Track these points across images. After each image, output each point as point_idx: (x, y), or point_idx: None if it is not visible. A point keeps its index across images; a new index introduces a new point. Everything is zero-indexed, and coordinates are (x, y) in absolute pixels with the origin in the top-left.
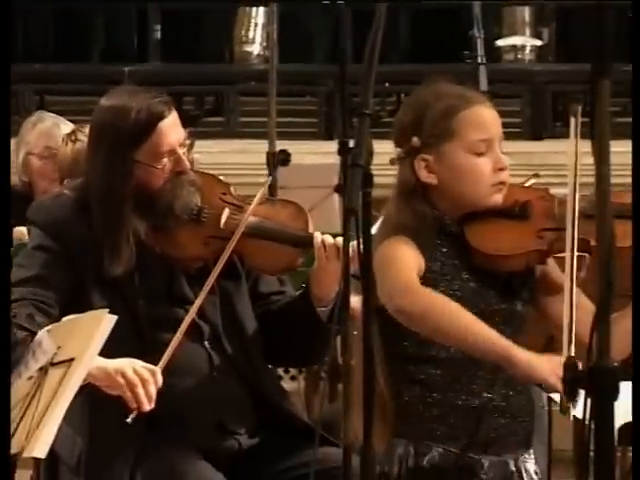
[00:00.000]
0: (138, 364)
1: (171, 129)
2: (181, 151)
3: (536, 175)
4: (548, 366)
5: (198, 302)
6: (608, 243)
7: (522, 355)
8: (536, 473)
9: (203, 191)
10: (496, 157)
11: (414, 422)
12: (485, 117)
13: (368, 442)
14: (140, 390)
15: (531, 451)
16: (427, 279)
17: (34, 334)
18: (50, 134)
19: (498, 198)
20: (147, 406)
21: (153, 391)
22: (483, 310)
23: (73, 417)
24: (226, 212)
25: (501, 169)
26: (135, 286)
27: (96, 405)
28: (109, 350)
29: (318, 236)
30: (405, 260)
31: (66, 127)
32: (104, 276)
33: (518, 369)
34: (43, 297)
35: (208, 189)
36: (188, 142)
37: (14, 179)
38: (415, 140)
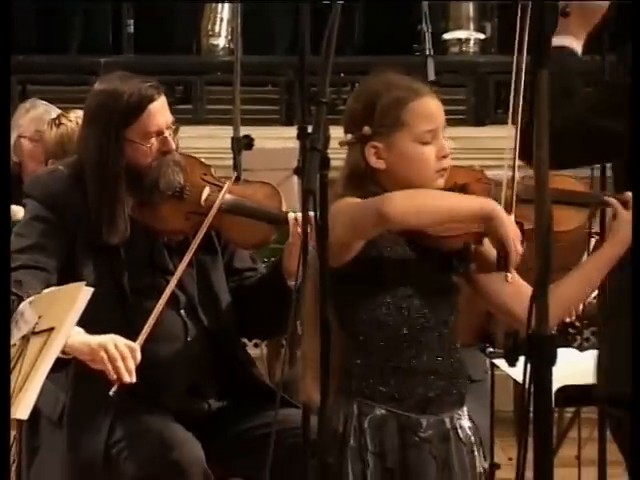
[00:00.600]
0: (120, 340)
1: (159, 111)
2: (167, 133)
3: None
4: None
5: (178, 273)
6: (547, 223)
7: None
8: (469, 429)
9: (186, 171)
10: (440, 145)
11: (358, 383)
12: (432, 108)
13: (325, 403)
14: (120, 364)
15: (465, 409)
16: (370, 245)
17: None
18: (41, 119)
19: (440, 182)
20: (127, 379)
21: (132, 366)
22: (421, 281)
23: (57, 375)
24: (206, 190)
25: (444, 156)
26: (121, 256)
27: (80, 364)
28: (96, 316)
29: (292, 214)
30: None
31: (51, 112)
32: (94, 246)
33: (498, 220)
34: (43, 264)
35: (191, 169)
36: (174, 126)
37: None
38: (367, 129)
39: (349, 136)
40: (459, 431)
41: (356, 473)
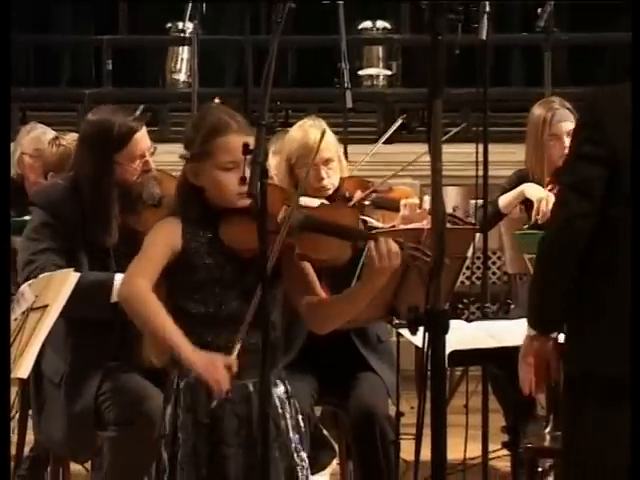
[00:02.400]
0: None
1: (142, 140)
2: (148, 155)
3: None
4: (203, 362)
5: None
6: (441, 224)
7: (188, 352)
8: (283, 392)
9: (163, 184)
10: (241, 173)
11: None
12: (235, 144)
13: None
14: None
15: (278, 377)
16: (188, 253)
17: None
18: (39, 139)
19: (243, 203)
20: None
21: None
22: (227, 281)
23: (59, 347)
24: None
25: (244, 182)
26: (111, 255)
27: (76, 338)
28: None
29: None
30: (155, 246)
31: (51, 135)
32: (89, 247)
33: (183, 359)
34: (58, 262)
35: (166, 183)
36: (152, 149)
37: (11, 172)
38: (186, 153)
39: (185, 152)
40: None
41: (172, 425)
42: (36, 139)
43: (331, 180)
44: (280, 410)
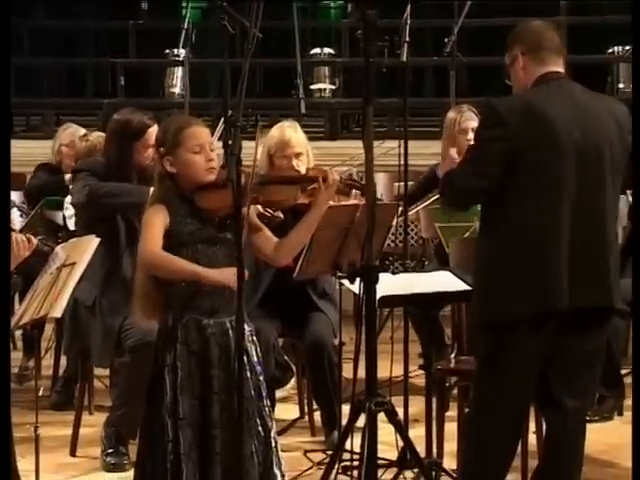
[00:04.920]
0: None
1: (153, 133)
2: None
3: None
4: (220, 275)
5: None
6: (373, 198)
7: (205, 271)
8: (247, 330)
9: None
10: (207, 154)
11: (177, 301)
12: (198, 132)
13: (239, 318)
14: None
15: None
16: (173, 230)
17: None
18: (73, 134)
19: (211, 177)
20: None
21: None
22: (209, 239)
23: (93, 278)
24: None
25: (210, 160)
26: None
27: (108, 271)
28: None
29: None
30: (154, 225)
31: (81, 131)
32: None
33: (204, 279)
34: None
35: None
36: None
37: (51, 158)
38: (162, 150)
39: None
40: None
41: (172, 356)
42: (70, 134)
43: (300, 169)
44: (248, 343)
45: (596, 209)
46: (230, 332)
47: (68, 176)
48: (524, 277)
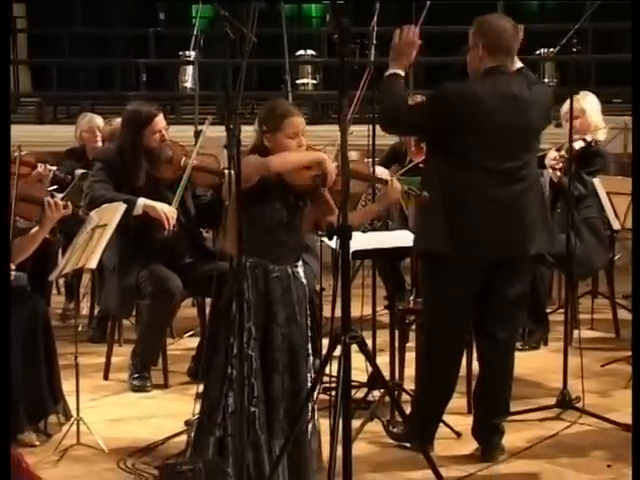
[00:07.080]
0: (167, 207)
1: (160, 120)
2: (164, 131)
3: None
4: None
5: (177, 197)
6: (347, 172)
7: (313, 154)
8: (303, 273)
9: (174, 149)
10: (299, 140)
11: (248, 248)
12: (296, 122)
13: (240, 259)
14: (171, 219)
15: (300, 263)
16: (263, 182)
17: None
18: (92, 121)
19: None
20: (170, 226)
21: (173, 219)
22: (284, 202)
23: (114, 248)
24: (184, 159)
25: (300, 145)
26: (142, 192)
27: (124, 242)
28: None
29: (226, 172)
30: (251, 158)
31: (100, 119)
32: (127, 185)
33: (323, 162)
34: (107, 188)
35: (176, 148)
36: (167, 127)
37: (75, 143)
38: (264, 127)
39: (258, 127)
40: (296, 274)
41: (240, 294)
42: (88, 121)
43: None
44: (303, 283)
45: (517, 175)
46: (292, 275)
47: (79, 172)
48: (450, 223)
